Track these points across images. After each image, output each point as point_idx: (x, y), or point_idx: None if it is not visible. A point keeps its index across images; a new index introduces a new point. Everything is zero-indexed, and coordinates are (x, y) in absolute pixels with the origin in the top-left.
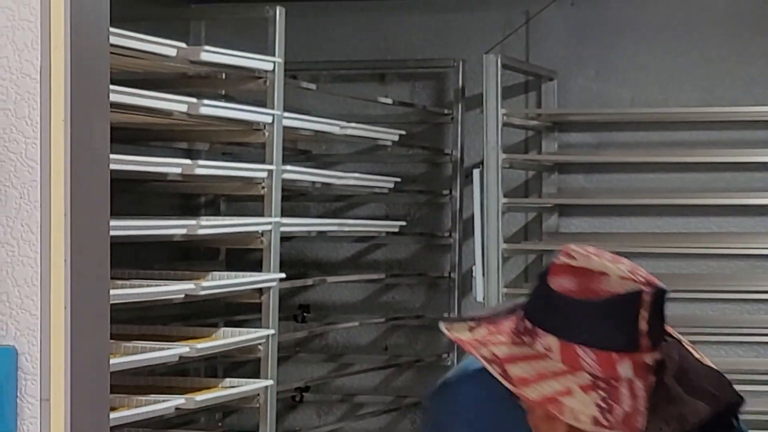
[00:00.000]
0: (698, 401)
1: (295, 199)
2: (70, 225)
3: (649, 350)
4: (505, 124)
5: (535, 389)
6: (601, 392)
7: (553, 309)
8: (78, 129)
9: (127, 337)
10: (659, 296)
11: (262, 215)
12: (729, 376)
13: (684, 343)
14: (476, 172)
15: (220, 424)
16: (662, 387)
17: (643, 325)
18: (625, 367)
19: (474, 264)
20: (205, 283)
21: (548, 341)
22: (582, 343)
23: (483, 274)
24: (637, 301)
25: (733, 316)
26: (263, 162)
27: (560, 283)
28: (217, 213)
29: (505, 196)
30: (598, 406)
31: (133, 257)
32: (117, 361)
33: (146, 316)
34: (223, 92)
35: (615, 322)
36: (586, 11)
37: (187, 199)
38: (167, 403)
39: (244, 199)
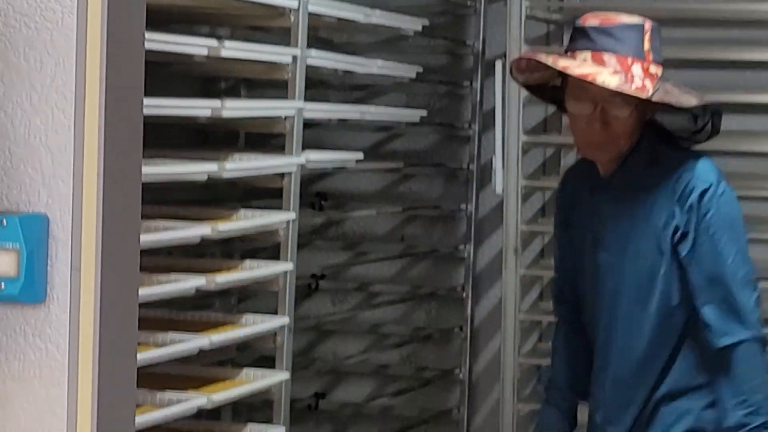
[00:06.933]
0: (690, 96)
1: (315, 87)
2: (105, 95)
3: (652, 63)
4: (527, 17)
5: (575, 71)
6: (620, 76)
7: (584, 35)
8: None
9: (147, 216)
10: (657, 28)
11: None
12: None
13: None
14: (498, 64)
15: (235, 308)
16: (664, 86)
17: (647, 45)
18: (636, 68)
19: (494, 155)
20: (228, 165)
21: (584, 54)
22: (606, 50)
23: (503, 166)
24: (641, 28)
25: None
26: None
27: (588, 21)
28: (237, 98)
29: None
30: (620, 79)
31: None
32: (143, 239)
33: (161, 199)
34: None
35: (627, 40)
36: None
37: (207, 83)
38: (188, 284)
39: (264, 86)
